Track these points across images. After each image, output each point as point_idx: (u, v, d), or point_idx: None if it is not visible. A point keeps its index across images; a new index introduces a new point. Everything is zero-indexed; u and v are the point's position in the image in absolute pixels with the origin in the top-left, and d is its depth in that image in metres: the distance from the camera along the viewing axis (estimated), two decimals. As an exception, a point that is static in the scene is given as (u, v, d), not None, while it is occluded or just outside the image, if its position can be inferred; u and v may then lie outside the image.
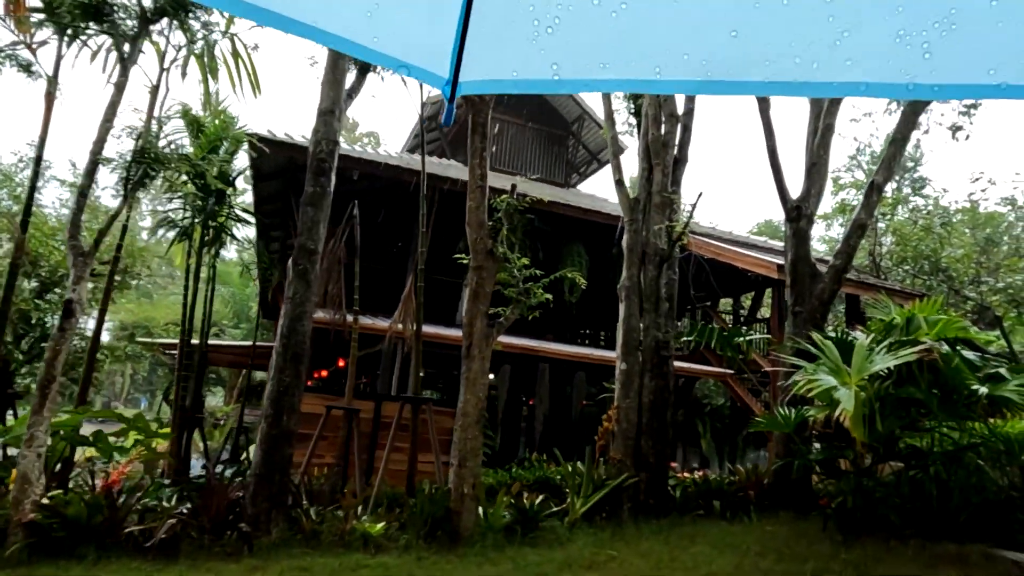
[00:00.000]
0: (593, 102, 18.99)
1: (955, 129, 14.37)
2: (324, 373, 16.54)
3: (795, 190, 9.09)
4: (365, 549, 6.52)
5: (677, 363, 12.71)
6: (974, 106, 14.18)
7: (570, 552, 6.72)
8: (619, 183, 8.55)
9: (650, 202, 8.51)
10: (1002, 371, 6.48)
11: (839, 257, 8.49)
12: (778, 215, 46.30)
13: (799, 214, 8.69)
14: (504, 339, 12.21)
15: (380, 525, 6.85)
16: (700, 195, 8.48)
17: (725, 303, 19.21)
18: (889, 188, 25.22)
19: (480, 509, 7.38)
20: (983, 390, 6.07)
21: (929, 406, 6.64)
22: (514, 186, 7.72)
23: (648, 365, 8.20)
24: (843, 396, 5.60)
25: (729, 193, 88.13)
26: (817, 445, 8.21)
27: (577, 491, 7.70)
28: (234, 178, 10.65)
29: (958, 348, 6.90)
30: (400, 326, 9.82)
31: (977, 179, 22.18)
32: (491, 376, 16.30)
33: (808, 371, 6.30)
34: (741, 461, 12.06)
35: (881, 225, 15.55)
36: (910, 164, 31.62)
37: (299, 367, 6.95)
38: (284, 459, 6.81)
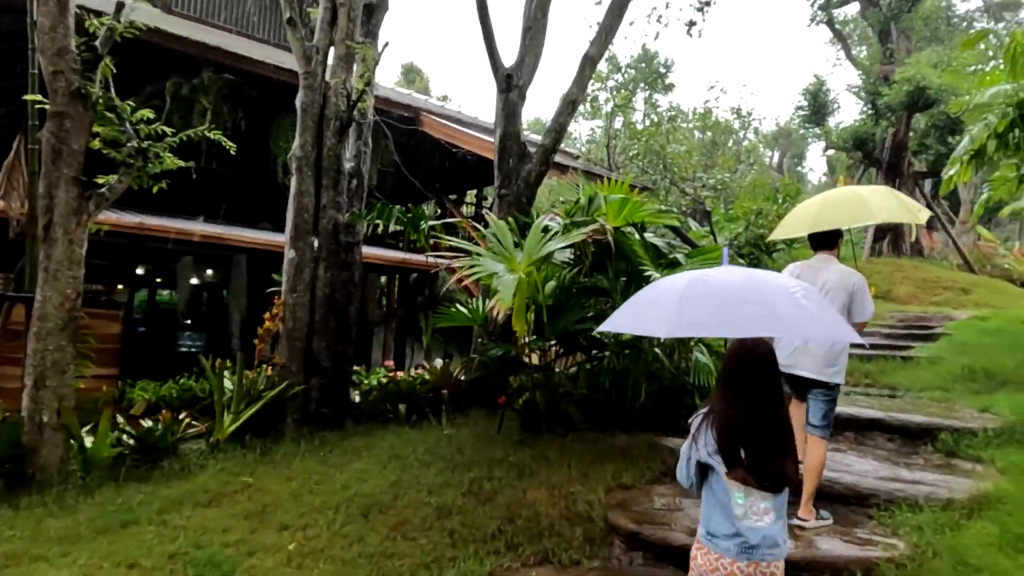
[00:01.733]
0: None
1: (690, 24, 14.49)
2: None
3: (510, 59, 8.01)
4: None
5: (394, 253, 11.67)
6: (708, 3, 14.36)
7: (195, 484, 5.35)
8: (291, 23, 6.66)
9: (334, 53, 6.84)
10: (679, 257, 6.19)
11: (548, 136, 7.68)
12: (547, 112, 46.83)
13: (510, 84, 7.64)
14: (189, 225, 9.99)
15: (-99, 476, 4.85)
16: (386, 45, 7.00)
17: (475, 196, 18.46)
18: (640, 97, 26.22)
19: (88, 440, 5.70)
20: (656, 275, 5.66)
21: (613, 295, 6.23)
22: (120, 5, 5.53)
23: (324, 252, 6.81)
24: (503, 284, 4.74)
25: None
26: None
27: (228, 406, 6.29)
28: None
29: (645, 234, 6.50)
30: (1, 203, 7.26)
31: (712, 87, 23.69)
32: (192, 271, 13.92)
33: (475, 255, 5.39)
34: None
35: (619, 124, 15.59)
36: (662, 70, 33.34)
37: None
38: None
